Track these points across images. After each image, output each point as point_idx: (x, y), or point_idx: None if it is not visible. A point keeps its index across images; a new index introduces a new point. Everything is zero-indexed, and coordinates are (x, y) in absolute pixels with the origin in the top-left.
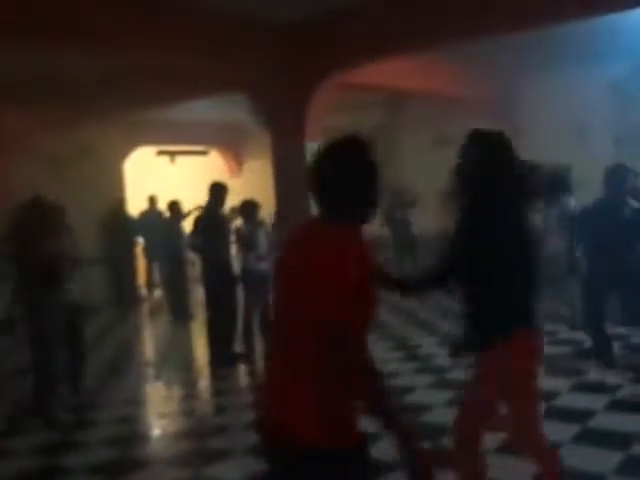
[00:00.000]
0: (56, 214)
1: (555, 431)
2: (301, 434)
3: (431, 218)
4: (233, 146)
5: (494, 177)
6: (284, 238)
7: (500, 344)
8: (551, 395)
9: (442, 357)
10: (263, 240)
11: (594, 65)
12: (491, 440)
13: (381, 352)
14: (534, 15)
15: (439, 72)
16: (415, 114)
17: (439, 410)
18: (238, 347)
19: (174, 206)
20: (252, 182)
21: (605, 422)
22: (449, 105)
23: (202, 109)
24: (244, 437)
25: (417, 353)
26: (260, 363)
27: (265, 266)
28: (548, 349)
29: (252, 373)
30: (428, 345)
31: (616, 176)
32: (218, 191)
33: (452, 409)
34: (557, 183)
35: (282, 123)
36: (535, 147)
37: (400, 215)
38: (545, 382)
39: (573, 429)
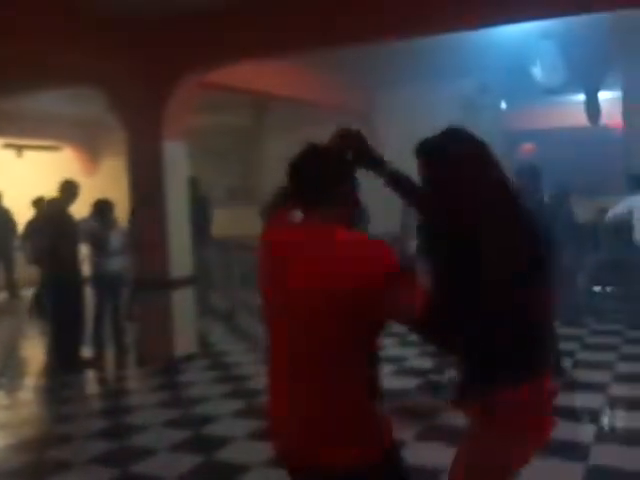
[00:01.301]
0: None
1: None
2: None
3: None
4: (89, 143)
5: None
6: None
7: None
8: None
9: None
10: (116, 240)
11: (445, 81)
12: None
13: (249, 366)
14: (400, 26)
15: (303, 78)
16: (280, 118)
17: None
18: (87, 352)
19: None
20: (109, 181)
21: None
22: (314, 111)
23: (55, 102)
24: (87, 447)
25: None
26: (111, 368)
27: (117, 267)
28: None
29: (101, 379)
30: None
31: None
32: (68, 189)
33: None
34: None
35: (138, 121)
36: (390, 158)
37: None
38: None
39: None
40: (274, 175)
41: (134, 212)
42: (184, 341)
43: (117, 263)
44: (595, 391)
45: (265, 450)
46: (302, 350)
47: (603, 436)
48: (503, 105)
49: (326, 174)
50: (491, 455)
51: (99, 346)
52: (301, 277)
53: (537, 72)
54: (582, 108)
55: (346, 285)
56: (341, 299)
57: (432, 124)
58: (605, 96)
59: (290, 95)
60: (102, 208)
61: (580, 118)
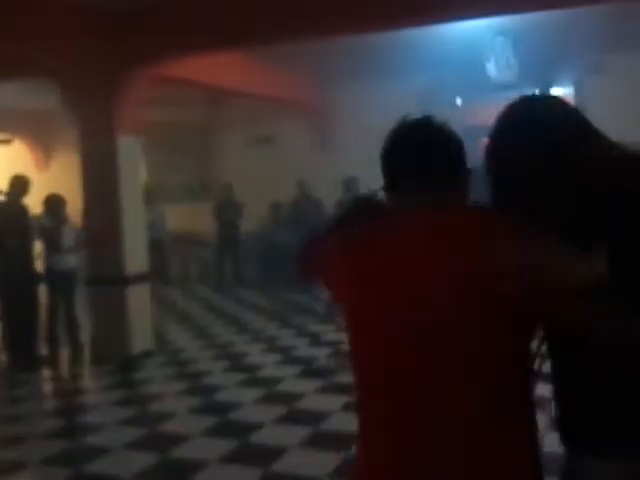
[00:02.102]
0: None
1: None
2: None
3: (253, 219)
4: (41, 136)
5: None
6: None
7: None
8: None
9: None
10: (69, 237)
11: (400, 77)
12: (294, 435)
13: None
14: (354, 22)
15: (259, 73)
16: (236, 113)
17: (249, 407)
18: (41, 350)
19: None
20: (62, 176)
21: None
22: (270, 106)
23: (7, 94)
24: (41, 447)
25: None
26: (65, 366)
27: (71, 264)
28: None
29: (56, 377)
30: (255, 353)
31: None
32: (19, 185)
33: (261, 405)
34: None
35: (91, 115)
36: (346, 154)
37: (227, 214)
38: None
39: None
40: (229, 171)
41: (87, 208)
42: (140, 338)
43: (70, 260)
44: None
45: (220, 446)
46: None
47: None
48: (459, 101)
49: (457, 148)
50: None
51: (53, 344)
52: (457, 283)
53: (491, 68)
54: None
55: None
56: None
57: (387, 121)
58: (557, 92)
59: (246, 91)
60: (53, 204)
61: None
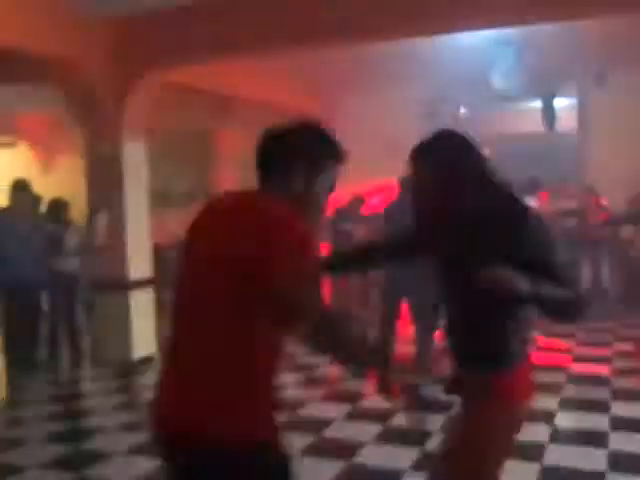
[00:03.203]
0: None
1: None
2: (223, 432)
3: None
4: (45, 139)
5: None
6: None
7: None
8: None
9: None
10: (71, 240)
11: (406, 86)
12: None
13: None
14: (361, 31)
15: (266, 82)
16: (240, 120)
17: None
18: (42, 353)
19: None
20: (66, 179)
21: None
22: (273, 113)
23: (11, 98)
24: (41, 451)
25: None
26: (67, 370)
27: (73, 267)
28: None
29: (56, 382)
30: None
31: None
32: (22, 189)
33: None
34: None
35: (98, 119)
36: (351, 162)
37: None
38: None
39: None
40: (229, 177)
41: (92, 213)
42: (142, 343)
43: (72, 263)
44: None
45: None
46: (201, 314)
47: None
48: (462, 111)
49: (294, 142)
50: (500, 432)
51: (54, 347)
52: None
53: (495, 78)
54: (539, 114)
55: (238, 253)
56: (231, 267)
57: (391, 130)
58: (561, 103)
59: (252, 98)
60: (57, 207)
61: (537, 124)
